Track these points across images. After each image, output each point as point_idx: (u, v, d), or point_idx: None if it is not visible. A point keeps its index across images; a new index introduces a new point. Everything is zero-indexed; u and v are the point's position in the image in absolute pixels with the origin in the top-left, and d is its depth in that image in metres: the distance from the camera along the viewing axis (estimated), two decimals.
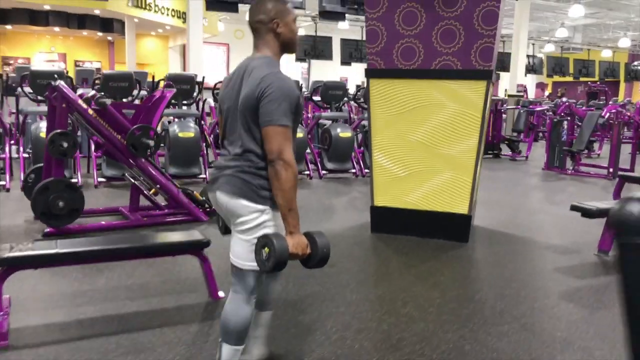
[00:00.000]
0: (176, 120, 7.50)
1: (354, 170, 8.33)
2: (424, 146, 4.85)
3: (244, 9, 16.00)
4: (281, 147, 1.93)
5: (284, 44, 2.10)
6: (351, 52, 17.72)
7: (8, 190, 6.34)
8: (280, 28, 2.07)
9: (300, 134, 7.54)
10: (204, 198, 5.46)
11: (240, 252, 2.08)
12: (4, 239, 4.46)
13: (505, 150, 11.92)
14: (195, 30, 11.66)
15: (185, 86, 7.49)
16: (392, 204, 5.04)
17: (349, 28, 19.46)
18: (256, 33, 2.10)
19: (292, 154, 1.96)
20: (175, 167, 7.17)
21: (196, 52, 11.75)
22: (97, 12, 18.40)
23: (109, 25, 20.01)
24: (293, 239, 1.95)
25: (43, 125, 6.39)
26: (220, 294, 3.38)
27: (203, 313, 3.21)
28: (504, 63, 17.37)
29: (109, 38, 21.65)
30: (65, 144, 4.52)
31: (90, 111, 4.72)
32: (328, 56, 17.77)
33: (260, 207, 2.04)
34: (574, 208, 4.57)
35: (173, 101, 7.19)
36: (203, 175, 7.34)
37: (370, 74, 4.94)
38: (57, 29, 19.64)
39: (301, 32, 18.33)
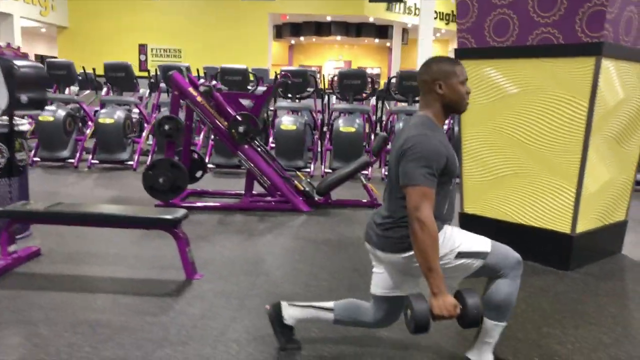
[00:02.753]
0: (342, 115, 7.50)
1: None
2: (520, 143, 3.89)
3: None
4: (417, 206, 1.93)
5: (446, 106, 2.09)
6: None
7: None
8: (442, 90, 2.06)
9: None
10: (307, 189, 5.42)
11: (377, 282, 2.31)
12: None
13: None
14: (425, 30, 11.48)
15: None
16: (483, 213, 4.18)
17: None
18: (421, 92, 2.14)
19: (429, 213, 1.93)
20: (337, 162, 7.21)
21: (425, 51, 11.53)
22: (371, 20, 19.56)
23: (385, 32, 21.07)
24: (437, 301, 1.92)
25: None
26: (198, 276, 3.37)
27: (165, 288, 3.24)
28: None
29: (388, 44, 22.74)
30: (169, 127, 5.04)
31: (199, 98, 5.15)
32: None
33: (407, 253, 2.08)
34: None
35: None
36: (365, 172, 7.18)
37: (459, 54, 4.17)
38: (338, 37, 21.55)
39: None
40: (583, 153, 3.59)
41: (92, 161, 7.48)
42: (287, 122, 7.34)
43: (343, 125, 7.30)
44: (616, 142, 3.90)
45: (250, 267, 3.65)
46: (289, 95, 7.63)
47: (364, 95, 7.76)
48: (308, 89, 7.73)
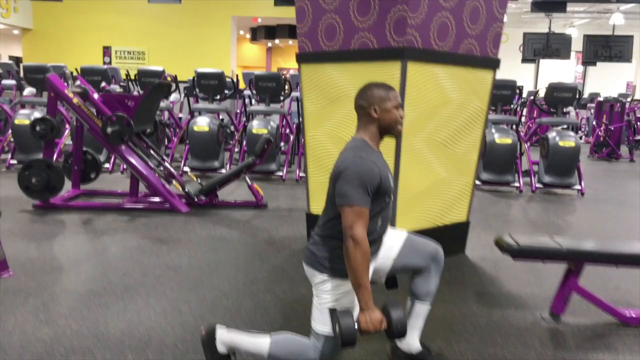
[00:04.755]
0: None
1: (517, 184, 7.12)
2: None
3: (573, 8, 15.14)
4: (351, 224, 2.00)
5: (382, 129, 2.20)
6: (597, 50, 15.27)
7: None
8: (377, 114, 2.17)
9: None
10: (189, 189, 5.49)
11: (313, 314, 2.23)
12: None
13: None
14: None
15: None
16: None
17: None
18: (358, 116, 2.25)
19: (363, 232, 2.01)
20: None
21: None
22: None
23: None
24: (365, 316, 2.00)
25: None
26: (6, 274, 3.45)
27: None
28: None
29: None
30: (41, 128, 5.13)
31: (75, 100, 5.23)
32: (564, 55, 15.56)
33: (323, 275, 2.16)
34: (497, 243, 3.14)
35: None
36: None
37: (299, 58, 4.24)
38: None
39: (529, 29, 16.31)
40: (396, 155, 3.66)
41: (11, 162, 7.57)
42: (200, 124, 7.41)
43: (256, 127, 7.36)
44: (443, 145, 3.96)
45: (64, 266, 3.74)
46: (206, 97, 7.70)
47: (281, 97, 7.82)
48: (226, 91, 7.80)
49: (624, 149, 11.26)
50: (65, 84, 5.41)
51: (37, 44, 15.99)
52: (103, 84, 5.92)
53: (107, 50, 16.30)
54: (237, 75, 9.83)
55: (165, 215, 5.24)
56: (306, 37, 4.16)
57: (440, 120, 3.87)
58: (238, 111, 9.87)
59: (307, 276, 2.23)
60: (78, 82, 5.44)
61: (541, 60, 17.97)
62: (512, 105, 7.70)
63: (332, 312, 2.09)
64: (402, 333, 2.06)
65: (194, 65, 12.78)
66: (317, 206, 4.33)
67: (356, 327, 2.01)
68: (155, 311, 3.04)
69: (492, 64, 4.11)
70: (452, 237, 4.25)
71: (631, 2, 12.72)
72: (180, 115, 9.53)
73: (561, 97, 7.40)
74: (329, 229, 2.18)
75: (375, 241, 2.20)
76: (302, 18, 4.16)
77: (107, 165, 7.56)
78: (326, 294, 2.15)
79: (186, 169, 7.33)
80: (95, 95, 5.35)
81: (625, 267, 3.02)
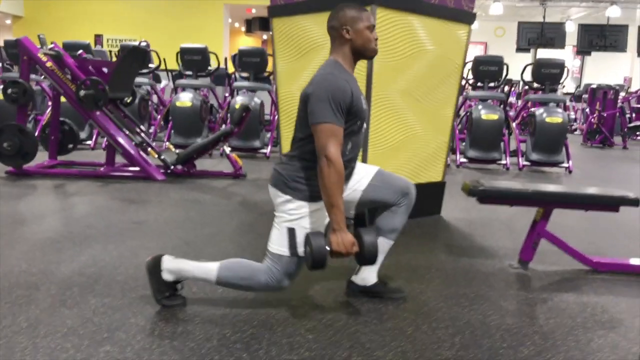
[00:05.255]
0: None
1: (503, 162, 6.99)
2: None
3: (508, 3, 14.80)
4: (325, 143, 1.96)
5: (355, 51, 2.15)
6: (592, 39, 15.19)
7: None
8: (350, 35, 2.12)
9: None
10: (163, 158, 5.39)
11: (271, 235, 2.18)
12: None
13: None
14: None
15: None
16: None
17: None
18: (330, 38, 2.20)
19: (336, 151, 1.97)
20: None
21: None
22: None
23: None
24: (336, 237, 1.96)
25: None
26: None
27: None
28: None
29: None
30: (12, 91, 5.03)
31: (49, 64, 5.14)
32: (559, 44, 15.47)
33: (286, 196, 2.10)
34: (463, 188, 3.05)
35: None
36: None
37: (271, 12, 4.16)
38: None
39: (526, 18, 16.23)
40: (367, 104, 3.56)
41: None
42: (182, 99, 7.32)
43: (239, 103, 7.26)
44: (417, 100, 3.86)
45: (27, 219, 3.66)
46: (189, 73, 7.60)
47: (267, 73, 7.71)
48: (209, 68, 7.70)
49: (617, 140, 11.10)
50: (40, 47, 5.30)
51: (28, 32, 15.82)
52: (80, 51, 5.82)
53: (98, 38, 16.23)
54: (225, 59, 9.69)
55: (140, 182, 5.15)
56: None
57: (414, 73, 3.78)
58: (227, 95, 9.76)
59: (271, 197, 2.18)
60: (52, 46, 5.34)
61: (538, 55, 17.86)
62: (499, 81, 7.57)
63: (291, 230, 2.05)
64: (373, 258, 2.01)
65: None
66: None
67: (327, 248, 1.94)
68: (111, 255, 2.95)
69: (467, 17, 4.01)
70: (427, 196, 4.15)
71: None
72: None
73: (549, 73, 7.31)
74: (296, 150, 2.14)
75: (344, 165, 2.10)
76: None
77: (89, 142, 7.47)
78: (286, 214, 2.10)
79: (169, 145, 7.23)
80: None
81: (595, 210, 2.93)
